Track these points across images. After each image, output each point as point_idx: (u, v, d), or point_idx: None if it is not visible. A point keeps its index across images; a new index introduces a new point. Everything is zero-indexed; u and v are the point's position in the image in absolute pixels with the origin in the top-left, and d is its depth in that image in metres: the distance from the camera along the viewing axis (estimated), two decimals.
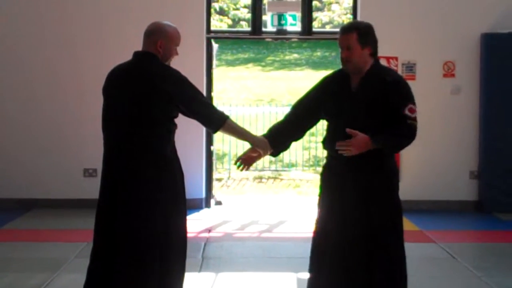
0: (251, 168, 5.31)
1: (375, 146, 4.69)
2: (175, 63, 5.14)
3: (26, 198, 10.08)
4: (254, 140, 5.14)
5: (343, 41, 4.86)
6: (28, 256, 7.59)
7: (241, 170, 5.21)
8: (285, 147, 5.23)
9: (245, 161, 5.15)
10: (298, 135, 5.22)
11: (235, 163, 5.22)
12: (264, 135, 5.16)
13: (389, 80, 4.83)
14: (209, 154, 10.48)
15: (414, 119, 4.78)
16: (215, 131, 5.16)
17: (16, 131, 10.12)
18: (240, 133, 5.23)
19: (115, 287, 4.95)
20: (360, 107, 4.81)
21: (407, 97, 4.81)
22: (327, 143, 5.02)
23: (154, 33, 5.06)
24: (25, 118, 10.10)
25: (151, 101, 4.90)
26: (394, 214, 4.90)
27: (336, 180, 4.93)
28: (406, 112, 4.75)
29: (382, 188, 4.85)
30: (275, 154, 5.24)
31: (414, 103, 4.81)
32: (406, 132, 4.77)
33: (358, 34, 4.84)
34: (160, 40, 5.03)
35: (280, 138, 5.14)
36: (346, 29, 4.91)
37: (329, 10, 25.41)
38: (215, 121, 5.04)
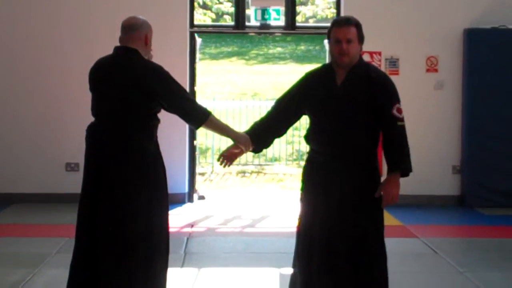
0: (235, 162, 5.31)
1: (404, 174, 4.87)
2: (158, 57, 5.12)
3: (6, 192, 10.00)
4: (236, 136, 5.12)
5: (343, 34, 4.80)
6: (8, 251, 7.54)
7: (224, 166, 5.22)
8: (267, 143, 5.21)
9: (227, 157, 5.14)
10: (281, 132, 5.19)
11: (218, 160, 5.21)
12: (246, 132, 5.14)
13: (375, 76, 4.85)
14: (192, 148, 10.47)
15: (402, 119, 4.82)
16: (197, 127, 5.17)
17: None
18: (222, 129, 5.21)
19: (98, 284, 4.93)
20: (345, 102, 4.82)
21: (394, 96, 4.84)
22: (311, 137, 5.01)
23: (141, 27, 5.04)
24: (6, 113, 10.03)
25: (133, 96, 4.88)
26: (376, 209, 4.91)
27: (320, 174, 4.92)
28: (394, 112, 4.78)
29: (365, 182, 4.86)
30: (257, 150, 5.23)
31: (399, 102, 4.84)
32: (402, 139, 4.82)
33: (357, 28, 4.84)
34: (147, 33, 5.05)
35: (262, 134, 5.12)
36: (346, 22, 4.87)
37: (312, 4, 25.36)
38: (198, 117, 5.02)
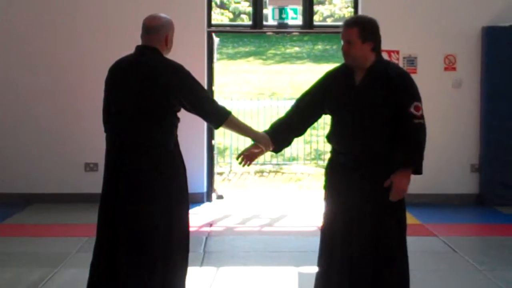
0: (253, 162, 5.31)
1: (415, 171, 4.82)
2: (176, 57, 5.13)
3: (27, 192, 10.07)
4: (256, 136, 5.14)
5: (344, 35, 4.86)
6: (29, 251, 7.59)
7: (243, 166, 5.22)
8: (287, 143, 5.23)
9: (247, 157, 5.16)
10: (300, 131, 5.21)
11: (237, 159, 5.22)
12: (266, 131, 5.16)
13: (393, 75, 4.83)
14: (211, 148, 10.49)
15: (421, 117, 4.78)
16: (217, 127, 5.15)
17: (17, 125, 10.10)
18: (242, 129, 5.21)
19: (118, 282, 4.95)
20: (364, 101, 4.83)
21: (413, 95, 4.82)
22: (332, 137, 5.03)
23: (163, 28, 5.05)
24: (26, 112, 10.09)
25: (154, 95, 4.90)
26: (399, 209, 4.91)
27: (341, 173, 4.93)
28: (412, 110, 4.76)
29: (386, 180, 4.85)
30: (277, 150, 5.25)
31: (419, 100, 4.82)
32: (418, 135, 4.80)
33: (360, 29, 4.83)
34: (168, 33, 5.07)
35: (282, 134, 5.14)
36: (348, 24, 4.91)
37: (330, 3, 25.40)
38: (218, 116, 5.03)
